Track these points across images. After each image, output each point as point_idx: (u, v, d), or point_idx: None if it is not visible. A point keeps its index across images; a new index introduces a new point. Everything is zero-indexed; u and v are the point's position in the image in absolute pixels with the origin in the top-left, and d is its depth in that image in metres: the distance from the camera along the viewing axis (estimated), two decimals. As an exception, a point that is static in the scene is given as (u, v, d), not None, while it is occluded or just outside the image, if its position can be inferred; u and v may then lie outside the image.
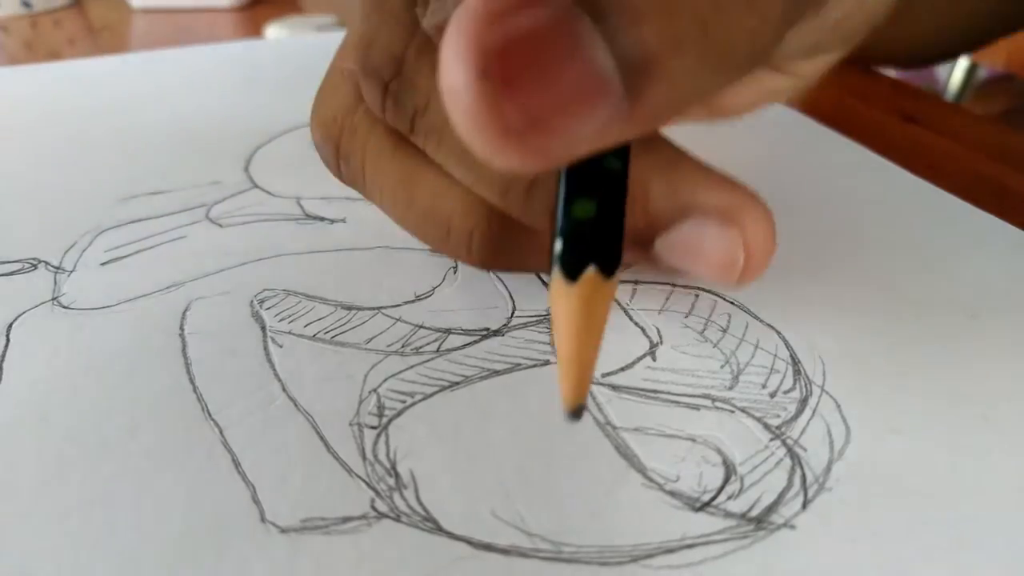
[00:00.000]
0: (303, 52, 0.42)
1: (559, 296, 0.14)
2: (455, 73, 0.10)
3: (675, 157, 0.16)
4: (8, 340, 0.19)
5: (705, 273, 0.16)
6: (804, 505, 0.15)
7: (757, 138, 0.29)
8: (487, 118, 0.10)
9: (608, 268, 0.14)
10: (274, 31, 0.47)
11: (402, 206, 0.18)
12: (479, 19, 0.10)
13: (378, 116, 0.17)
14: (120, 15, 0.53)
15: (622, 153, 0.14)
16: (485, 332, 0.19)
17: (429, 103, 0.16)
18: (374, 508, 0.15)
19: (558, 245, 0.14)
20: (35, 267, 0.22)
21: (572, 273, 0.14)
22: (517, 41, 0.10)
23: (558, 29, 0.10)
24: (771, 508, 0.15)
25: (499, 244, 0.18)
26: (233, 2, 0.54)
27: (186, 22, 0.51)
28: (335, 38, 0.47)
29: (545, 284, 0.21)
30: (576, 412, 0.14)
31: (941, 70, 0.97)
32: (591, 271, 0.14)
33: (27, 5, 0.52)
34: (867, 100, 0.34)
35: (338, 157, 0.19)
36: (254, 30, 0.49)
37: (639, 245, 0.17)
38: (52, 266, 0.22)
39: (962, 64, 0.84)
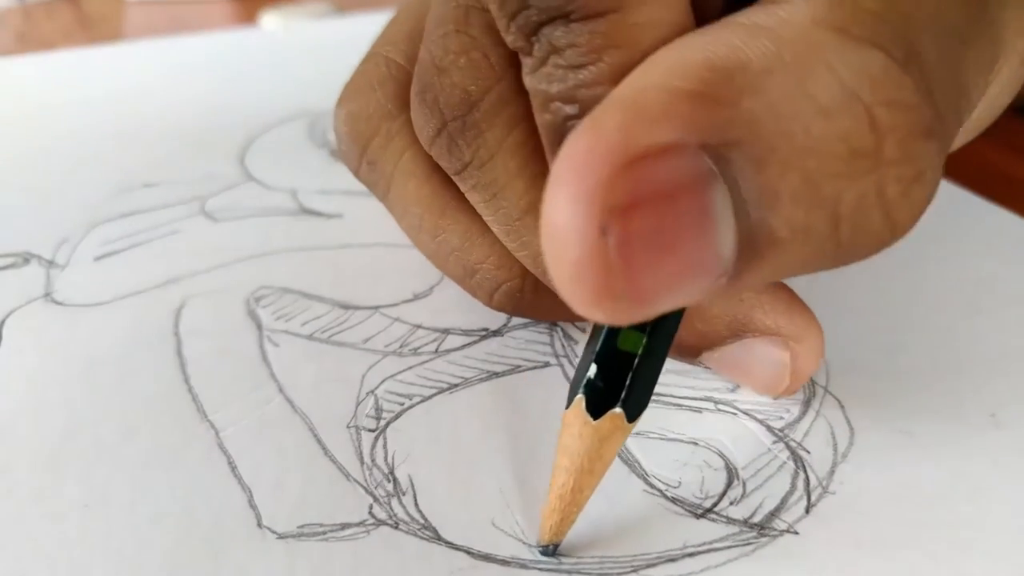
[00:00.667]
0: (299, 41, 0.42)
1: (573, 426, 0.13)
2: (568, 217, 0.09)
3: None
4: (1, 336, 0.19)
5: (747, 385, 0.17)
6: (807, 510, 0.15)
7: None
8: (591, 276, 0.09)
9: (633, 414, 0.13)
10: (270, 20, 0.46)
11: (427, 235, 0.17)
12: (614, 159, 0.09)
13: (421, 143, 0.16)
14: (114, 6, 0.52)
15: None
16: (484, 332, 0.19)
17: (493, 159, 0.15)
18: (372, 515, 0.14)
19: (592, 371, 0.13)
20: (28, 261, 0.22)
21: (597, 409, 0.13)
22: (648, 200, 0.09)
23: (693, 192, 0.09)
24: (774, 513, 0.15)
25: (524, 300, 0.17)
26: (227, -9, 0.53)
27: (181, 12, 0.50)
28: (332, 27, 0.47)
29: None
30: (549, 549, 0.14)
31: None
32: (617, 411, 0.13)
33: None
34: None
35: (361, 158, 0.17)
36: (249, 19, 0.48)
37: (686, 354, 0.16)
38: (45, 260, 0.22)
39: None
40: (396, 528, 0.14)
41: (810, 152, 0.10)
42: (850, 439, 0.16)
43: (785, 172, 0.10)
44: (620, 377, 0.13)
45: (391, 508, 0.15)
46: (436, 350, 0.18)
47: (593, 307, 0.10)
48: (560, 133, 0.12)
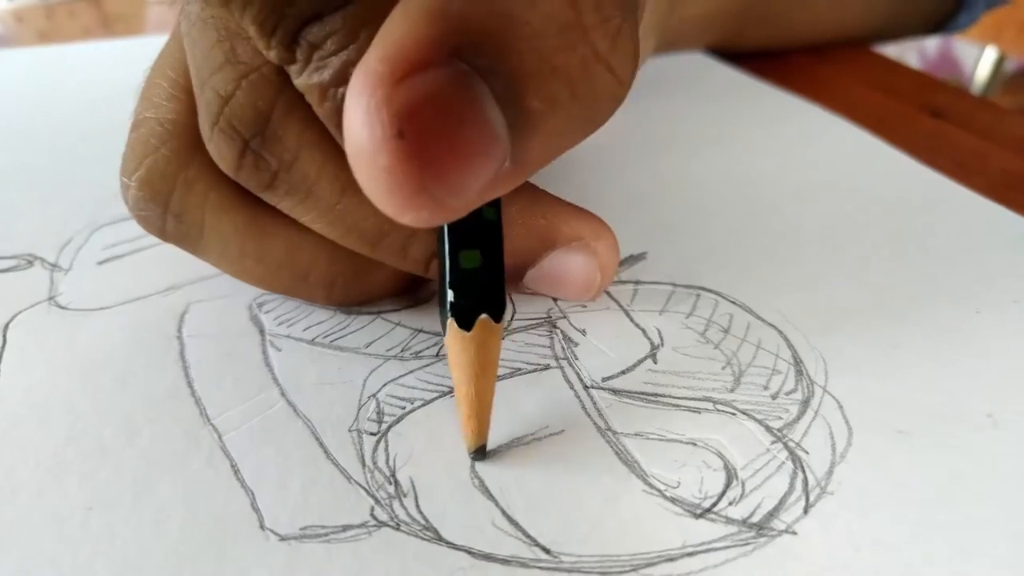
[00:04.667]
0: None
1: (455, 344, 0.15)
2: (367, 134, 0.11)
3: (533, 197, 0.18)
4: (5, 340, 0.19)
5: (567, 295, 0.20)
6: (806, 510, 0.15)
7: (773, 131, 0.29)
8: (403, 177, 0.11)
9: (497, 314, 0.15)
10: None
11: (251, 259, 0.18)
12: (385, 81, 0.11)
13: (227, 172, 0.17)
14: (135, 5, 0.52)
15: (495, 203, 0.16)
16: (485, 334, 0.19)
17: (297, 159, 0.16)
18: (374, 516, 0.15)
19: (450, 296, 0.15)
20: (31, 264, 0.22)
21: (467, 323, 0.15)
22: (424, 102, 0.11)
23: (459, 90, 0.11)
24: (772, 513, 0.15)
25: (360, 285, 0.19)
26: (245, -9, 0.53)
27: None
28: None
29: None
30: (479, 451, 0.16)
31: (967, 62, 0.96)
32: (483, 318, 0.15)
33: None
34: (892, 94, 0.34)
35: (165, 215, 0.18)
36: None
37: (511, 280, 0.18)
38: (48, 263, 0.22)
39: (989, 56, 0.83)
40: (397, 529, 0.14)
41: (534, 36, 0.12)
42: (848, 439, 0.16)
43: (522, 57, 0.12)
44: (474, 290, 0.15)
45: (392, 510, 0.15)
46: (437, 354, 0.19)
47: (411, 207, 0.12)
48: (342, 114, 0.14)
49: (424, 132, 0.11)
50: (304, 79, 0.14)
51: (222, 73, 0.16)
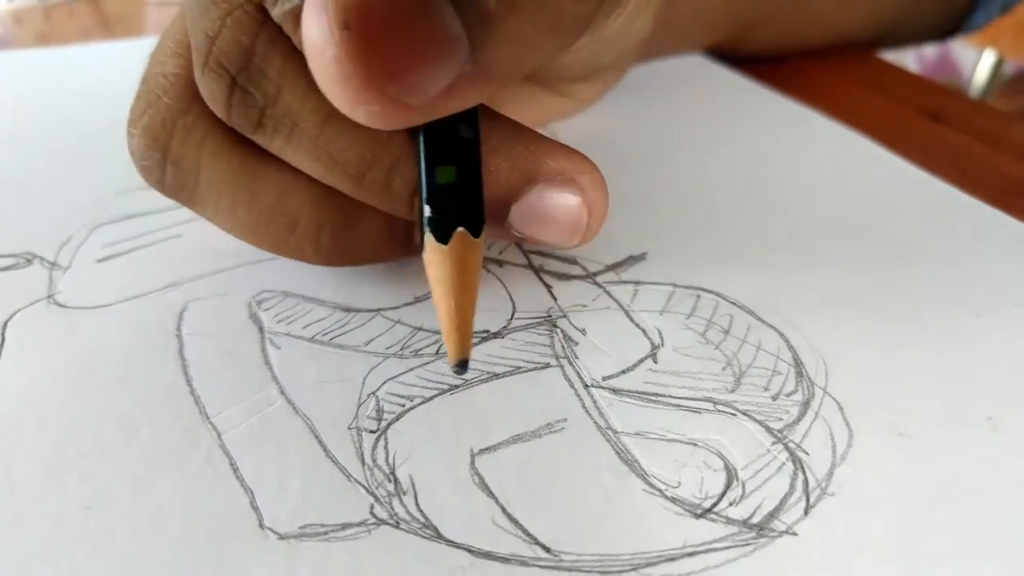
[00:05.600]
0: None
1: (433, 258, 0.15)
2: (317, 29, 0.12)
3: (516, 130, 0.18)
4: (4, 339, 0.19)
5: (555, 236, 0.18)
6: (806, 511, 0.15)
7: (772, 134, 0.29)
8: (350, 67, 0.12)
9: (475, 227, 0.15)
10: None
11: (243, 207, 0.18)
12: None
13: (218, 114, 0.17)
14: (134, 6, 0.52)
15: (473, 123, 0.16)
16: (485, 334, 0.19)
17: (281, 91, 0.16)
18: (373, 514, 0.15)
19: (426, 211, 0.15)
20: (30, 262, 0.22)
21: (443, 236, 0.15)
22: None
23: None
24: (773, 514, 0.15)
25: (348, 237, 0.18)
26: (245, -8, 0.53)
27: None
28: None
29: (546, 284, 0.21)
30: (462, 364, 0.16)
31: (965, 65, 0.96)
32: (461, 231, 0.15)
33: None
34: (890, 97, 0.34)
35: (164, 163, 0.18)
36: None
37: (494, 218, 0.18)
38: (47, 261, 0.22)
39: (987, 59, 0.83)
40: (397, 527, 0.14)
41: None
42: (849, 441, 0.16)
43: None
44: (450, 204, 0.15)
45: (392, 508, 0.15)
46: (437, 352, 0.19)
47: (363, 100, 0.12)
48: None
49: (370, 25, 0.12)
50: (278, 9, 0.15)
51: (208, 14, 0.16)
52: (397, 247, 0.19)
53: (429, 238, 0.15)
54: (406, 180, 0.17)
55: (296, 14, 0.14)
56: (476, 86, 0.13)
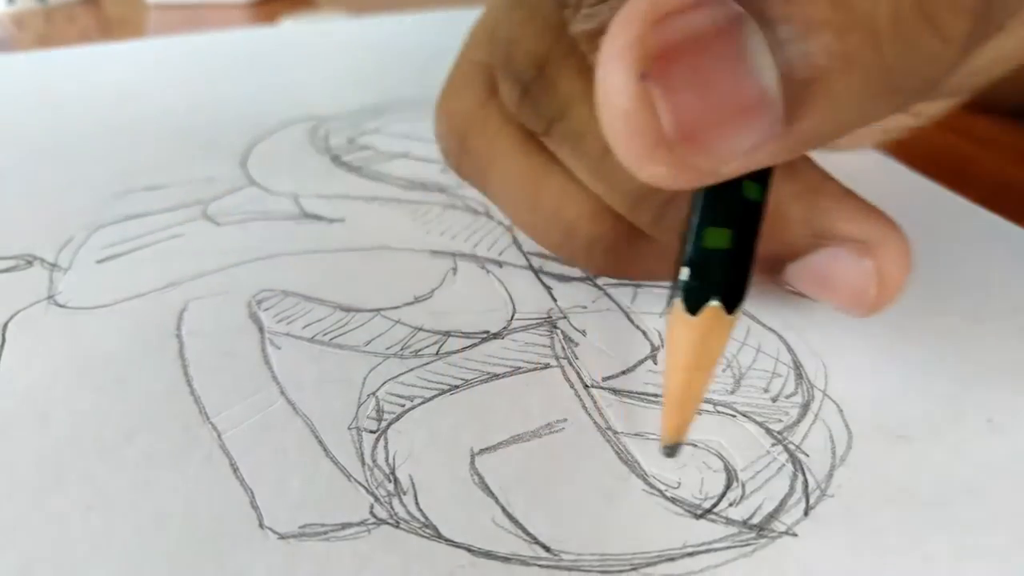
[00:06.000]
0: (301, 42, 0.42)
1: (677, 326, 0.14)
2: (613, 73, 0.10)
3: (818, 181, 0.16)
4: (4, 339, 0.19)
5: (834, 302, 0.16)
6: (806, 512, 0.15)
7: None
8: (641, 124, 0.10)
9: (732, 304, 0.13)
10: (288, 25, 0.47)
11: (526, 207, 0.18)
12: (644, 19, 0.10)
13: (512, 114, 0.17)
14: (135, 10, 0.53)
15: (763, 180, 0.14)
16: (485, 335, 0.19)
17: (569, 108, 0.16)
18: (373, 514, 0.15)
19: (684, 273, 0.13)
20: (30, 264, 0.22)
21: (694, 306, 0.13)
22: (680, 44, 0.10)
23: (724, 34, 0.10)
24: (773, 515, 0.15)
25: (621, 253, 0.18)
26: (247, -3, 0.54)
27: (200, 17, 0.50)
28: (332, 28, 0.47)
29: (546, 286, 0.21)
30: (672, 448, 0.14)
31: None
32: (714, 304, 0.13)
33: (42, 0, 0.52)
34: None
35: (461, 150, 0.18)
36: (268, 24, 0.49)
37: (770, 268, 0.16)
38: (47, 263, 0.22)
39: None
40: (397, 527, 0.14)
41: None
42: (848, 443, 0.16)
43: None
44: (712, 273, 0.13)
45: (392, 507, 0.15)
46: (437, 352, 0.19)
47: (649, 160, 0.10)
48: None
49: (672, 77, 0.10)
50: (576, 26, 0.14)
51: (512, 15, 0.16)
52: (664, 270, 0.18)
53: (677, 304, 0.13)
54: (680, 216, 0.15)
55: (593, 36, 0.13)
56: (780, 150, 0.11)
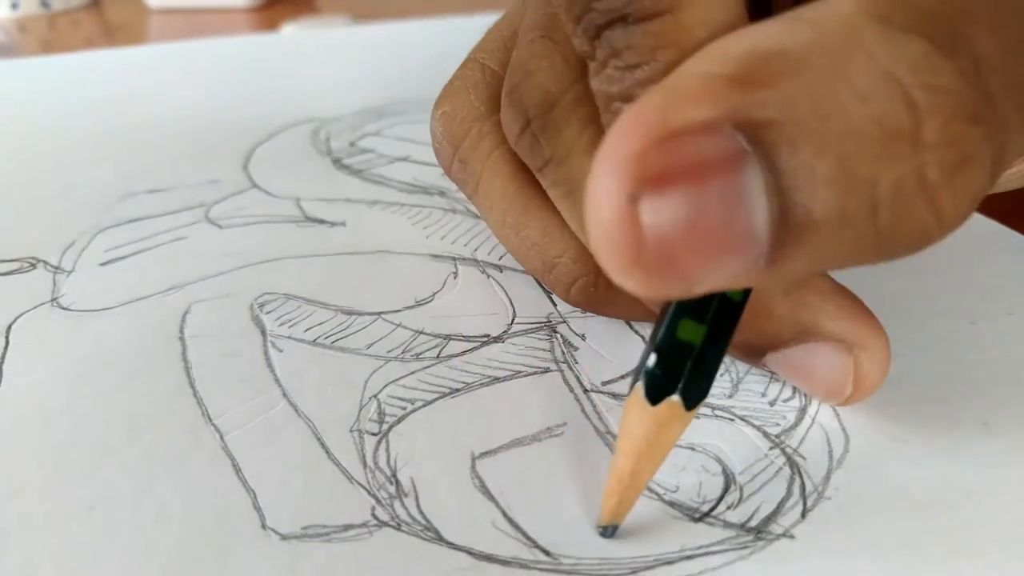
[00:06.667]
0: (303, 48, 0.42)
1: (635, 411, 0.13)
2: (604, 185, 0.10)
3: (804, 281, 0.16)
4: (8, 341, 0.19)
5: (809, 391, 0.17)
6: (803, 515, 0.15)
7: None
8: (621, 241, 0.10)
9: (692, 402, 0.13)
10: (290, 31, 0.47)
11: (510, 230, 0.18)
12: (650, 135, 0.10)
13: (510, 144, 0.17)
14: (137, 15, 0.53)
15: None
16: (485, 339, 0.19)
17: (568, 156, 0.16)
18: (375, 516, 0.15)
19: (651, 360, 0.13)
20: (34, 266, 0.22)
21: (655, 396, 0.13)
22: (677, 171, 0.09)
23: (726, 169, 0.09)
24: (770, 518, 0.15)
25: (598, 296, 0.18)
26: (249, 2, 0.54)
27: (203, 22, 0.51)
28: (333, 35, 0.47)
29: (546, 290, 0.21)
30: (608, 530, 0.14)
31: None
32: (675, 399, 0.13)
33: (45, 5, 0.53)
34: None
35: (455, 156, 0.18)
36: (270, 30, 0.49)
37: (749, 354, 0.16)
38: (51, 266, 0.22)
39: None
40: (398, 529, 0.14)
41: (846, 134, 0.10)
42: (845, 446, 0.16)
43: (819, 153, 0.10)
44: (678, 366, 0.13)
45: (393, 510, 0.15)
46: (438, 356, 0.19)
47: (624, 273, 0.10)
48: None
49: (662, 201, 0.09)
50: (598, 82, 0.13)
51: (533, 45, 0.15)
52: (650, 314, 0.18)
53: (638, 389, 0.13)
54: None
55: (608, 99, 0.13)
56: (759, 282, 0.11)
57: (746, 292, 0.13)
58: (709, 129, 0.09)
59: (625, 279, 0.10)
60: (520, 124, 0.16)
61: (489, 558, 0.14)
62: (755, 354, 0.17)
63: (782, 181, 0.10)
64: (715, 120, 0.10)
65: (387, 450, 0.16)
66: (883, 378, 0.16)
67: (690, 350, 0.13)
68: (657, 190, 0.09)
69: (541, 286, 0.21)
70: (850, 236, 0.10)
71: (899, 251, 0.11)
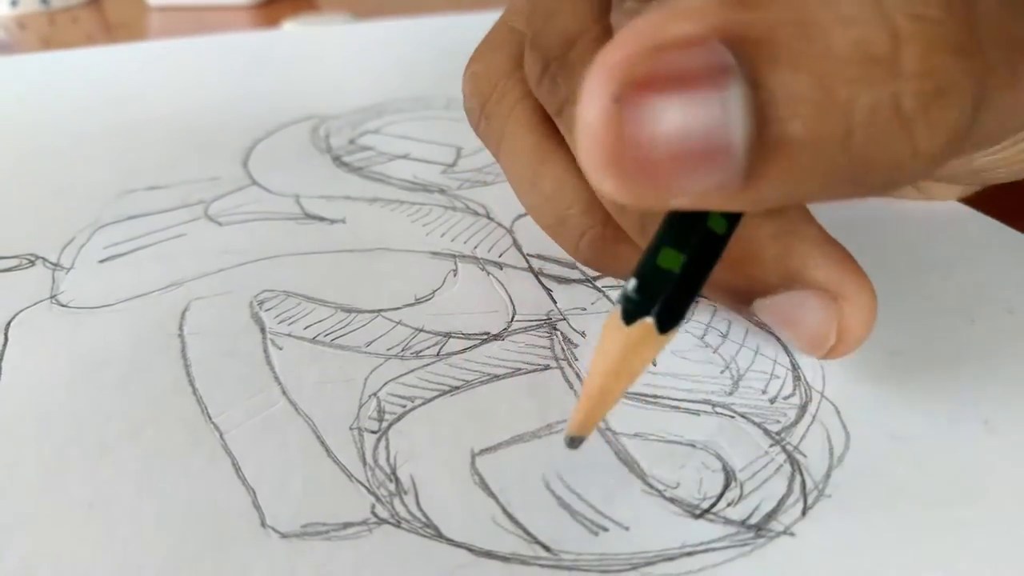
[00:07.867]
0: (303, 45, 0.42)
1: (609, 331, 0.14)
2: (592, 86, 0.10)
3: (797, 224, 0.16)
4: (7, 339, 0.19)
5: (794, 341, 0.17)
6: (804, 512, 0.15)
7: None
8: (603, 140, 0.10)
9: (665, 325, 0.13)
10: (290, 28, 0.47)
11: (527, 183, 0.18)
12: (641, 43, 0.10)
13: (531, 89, 0.17)
14: (137, 12, 0.53)
15: (733, 216, 0.14)
16: (485, 336, 0.19)
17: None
18: (375, 514, 0.15)
19: (631, 283, 0.14)
20: (33, 263, 0.22)
21: (630, 317, 0.13)
22: (665, 77, 0.10)
23: (710, 80, 0.10)
24: (771, 515, 0.15)
25: (606, 251, 0.18)
26: (249, -1, 0.54)
27: (202, 19, 0.51)
28: (333, 32, 0.47)
29: (546, 288, 0.21)
30: (574, 441, 0.15)
31: None
32: (648, 321, 0.13)
33: (45, 2, 0.53)
34: None
35: (481, 114, 0.19)
36: (271, 27, 0.49)
37: (737, 299, 0.17)
38: (50, 262, 0.22)
39: None
40: (398, 527, 0.14)
41: (826, 55, 0.10)
42: (846, 444, 0.16)
43: (799, 72, 0.10)
44: (656, 291, 0.13)
45: (393, 507, 0.15)
46: (438, 353, 0.19)
47: (603, 173, 0.10)
48: None
49: (644, 109, 0.10)
50: (615, 17, 0.14)
51: None
52: None
53: (616, 309, 0.14)
54: (655, 226, 0.15)
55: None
56: (733, 204, 0.11)
57: (729, 226, 0.14)
58: (697, 42, 0.10)
59: (603, 180, 0.10)
60: (541, 66, 0.16)
61: (489, 554, 0.14)
62: (744, 300, 0.17)
63: (762, 97, 0.10)
64: (704, 34, 0.10)
65: (387, 448, 0.16)
66: (867, 332, 0.16)
67: (669, 276, 0.13)
68: (641, 94, 0.10)
69: (541, 284, 0.21)
70: (825, 161, 0.10)
71: (874, 182, 0.11)
